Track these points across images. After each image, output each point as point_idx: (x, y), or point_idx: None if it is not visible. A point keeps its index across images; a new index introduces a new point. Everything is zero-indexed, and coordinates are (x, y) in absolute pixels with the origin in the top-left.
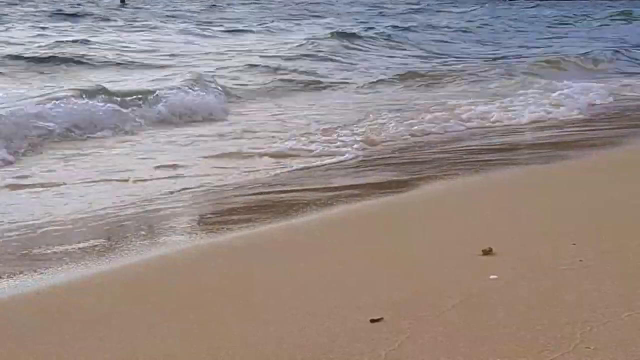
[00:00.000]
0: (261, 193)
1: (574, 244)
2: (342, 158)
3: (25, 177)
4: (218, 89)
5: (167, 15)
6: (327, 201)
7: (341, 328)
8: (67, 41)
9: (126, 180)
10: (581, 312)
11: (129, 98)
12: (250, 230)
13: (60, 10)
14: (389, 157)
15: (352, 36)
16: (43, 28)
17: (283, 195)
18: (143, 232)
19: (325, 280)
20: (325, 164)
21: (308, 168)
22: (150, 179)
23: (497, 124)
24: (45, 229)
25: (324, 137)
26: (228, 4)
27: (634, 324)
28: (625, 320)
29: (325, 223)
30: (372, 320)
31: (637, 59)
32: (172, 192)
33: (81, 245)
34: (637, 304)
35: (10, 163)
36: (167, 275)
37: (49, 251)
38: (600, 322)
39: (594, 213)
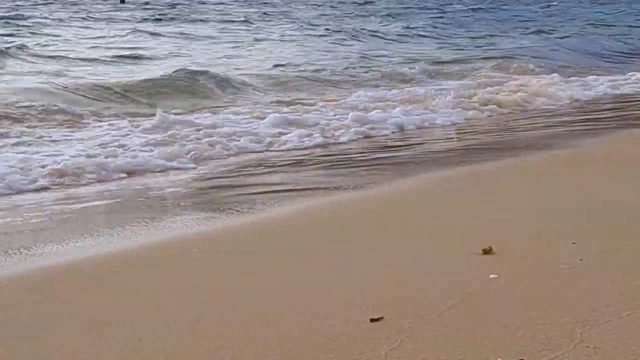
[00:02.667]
0: (264, 192)
1: (574, 243)
2: None
3: None
4: None
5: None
6: (325, 199)
7: (341, 327)
8: None
9: None
10: (581, 311)
11: None
12: (250, 229)
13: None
14: (387, 155)
15: None
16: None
17: (282, 194)
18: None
19: (325, 279)
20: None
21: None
22: None
23: None
24: None
25: None
26: None
27: (634, 322)
28: (625, 319)
29: (324, 221)
30: (372, 320)
31: None
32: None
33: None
34: (637, 302)
35: None
36: (166, 273)
37: None
38: (600, 321)
39: (593, 212)
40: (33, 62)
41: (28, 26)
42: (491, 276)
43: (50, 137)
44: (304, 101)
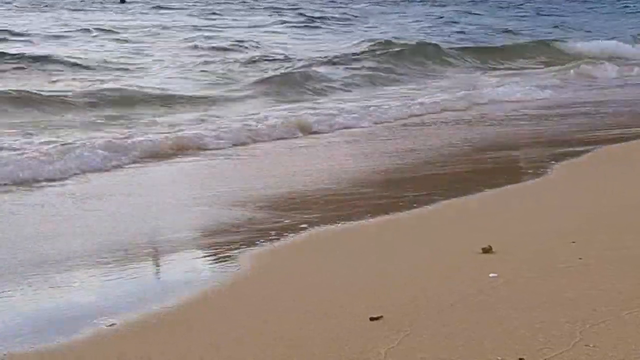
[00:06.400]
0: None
1: (574, 243)
2: None
3: None
4: None
5: None
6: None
7: (341, 326)
8: None
9: None
10: (581, 310)
11: None
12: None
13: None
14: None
15: None
16: None
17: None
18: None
19: (324, 279)
20: None
21: None
22: None
23: None
24: None
25: None
26: None
27: (633, 322)
28: (624, 318)
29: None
30: (372, 319)
31: None
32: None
33: None
34: (636, 302)
35: None
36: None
37: None
38: (599, 321)
39: (593, 211)
40: None
41: None
42: (491, 275)
43: None
44: None
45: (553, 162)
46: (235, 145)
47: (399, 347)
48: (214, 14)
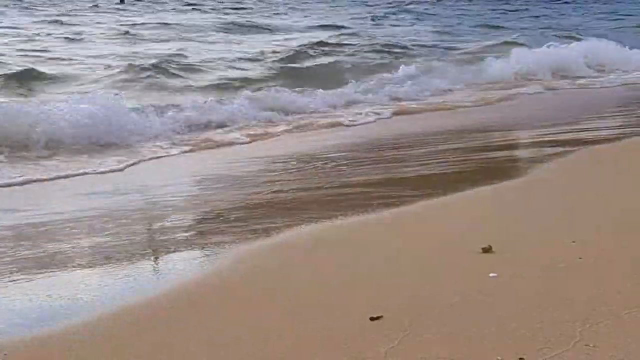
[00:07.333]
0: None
1: (574, 242)
2: None
3: None
4: None
5: None
6: (326, 200)
7: (341, 326)
8: None
9: None
10: (580, 310)
11: None
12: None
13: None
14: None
15: None
16: None
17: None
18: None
19: (324, 279)
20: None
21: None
22: None
23: None
24: None
25: None
26: None
27: (633, 321)
28: (624, 318)
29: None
30: (372, 318)
31: None
32: None
33: None
34: (636, 301)
35: None
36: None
37: None
38: (599, 320)
39: (593, 211)
40: None
41: None
42: (491, 275)
43: None
44: None
45: (552, 161)
46: None
47: (399, 347)
48: (233, 11)
